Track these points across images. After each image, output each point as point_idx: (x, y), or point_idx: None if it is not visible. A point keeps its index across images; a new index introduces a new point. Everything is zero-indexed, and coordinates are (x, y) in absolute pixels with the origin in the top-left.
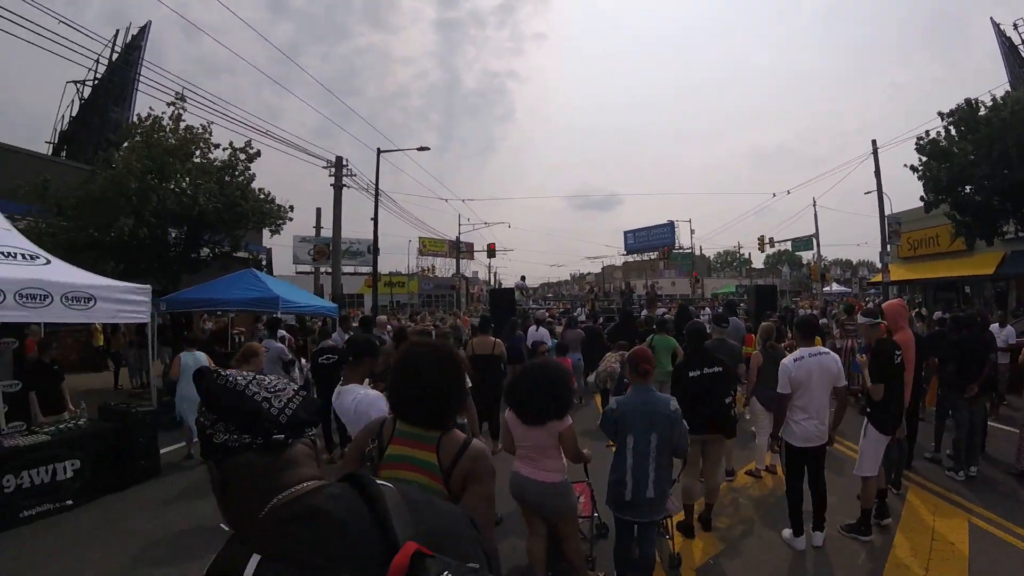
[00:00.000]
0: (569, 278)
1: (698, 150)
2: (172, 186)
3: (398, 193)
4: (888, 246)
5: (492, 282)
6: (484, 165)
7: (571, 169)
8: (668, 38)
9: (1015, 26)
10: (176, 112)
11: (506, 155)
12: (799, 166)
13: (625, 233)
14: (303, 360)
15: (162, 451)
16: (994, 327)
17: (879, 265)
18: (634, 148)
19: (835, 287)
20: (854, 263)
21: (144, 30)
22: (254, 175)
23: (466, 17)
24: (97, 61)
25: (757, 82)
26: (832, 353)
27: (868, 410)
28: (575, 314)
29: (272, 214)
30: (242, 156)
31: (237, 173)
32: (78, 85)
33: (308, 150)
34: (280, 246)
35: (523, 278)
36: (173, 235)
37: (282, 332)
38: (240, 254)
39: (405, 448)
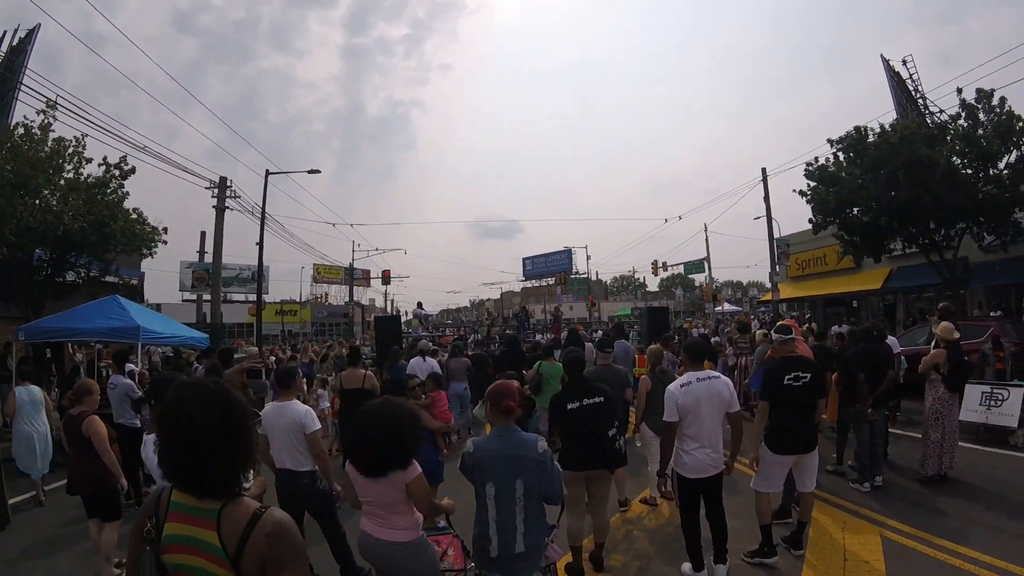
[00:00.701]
0: (468, 304)
1: (595, 180)
2: (37, 202)
3: (290, 218)
4: (777, 267)
5: (389, 309)
6: (384, 193)
7: (471, 198)
8: (569, 71)
9: (904, 62)
10: (45, 121)
11: (406, 183)
12: (692, 195)
13: (524, 259)
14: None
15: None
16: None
17: (768, 285)
18: (534, 177)
19: (727, 307)
20: (744, 284)
21: (32, 33)
22: (127, 193)
23: (373, 45)
24: None
25: (652, 116)
26: (722, 377)
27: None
28: (463, 341)
29: (143, 236)
30: (116, 172)
31: (109, 191)
32: None
33: (189, 169)
34: (165, 272)
35: (420, 304)
36: (38, 257)
37: (131, 366)
38: (110, 279)
39: (183, 525)
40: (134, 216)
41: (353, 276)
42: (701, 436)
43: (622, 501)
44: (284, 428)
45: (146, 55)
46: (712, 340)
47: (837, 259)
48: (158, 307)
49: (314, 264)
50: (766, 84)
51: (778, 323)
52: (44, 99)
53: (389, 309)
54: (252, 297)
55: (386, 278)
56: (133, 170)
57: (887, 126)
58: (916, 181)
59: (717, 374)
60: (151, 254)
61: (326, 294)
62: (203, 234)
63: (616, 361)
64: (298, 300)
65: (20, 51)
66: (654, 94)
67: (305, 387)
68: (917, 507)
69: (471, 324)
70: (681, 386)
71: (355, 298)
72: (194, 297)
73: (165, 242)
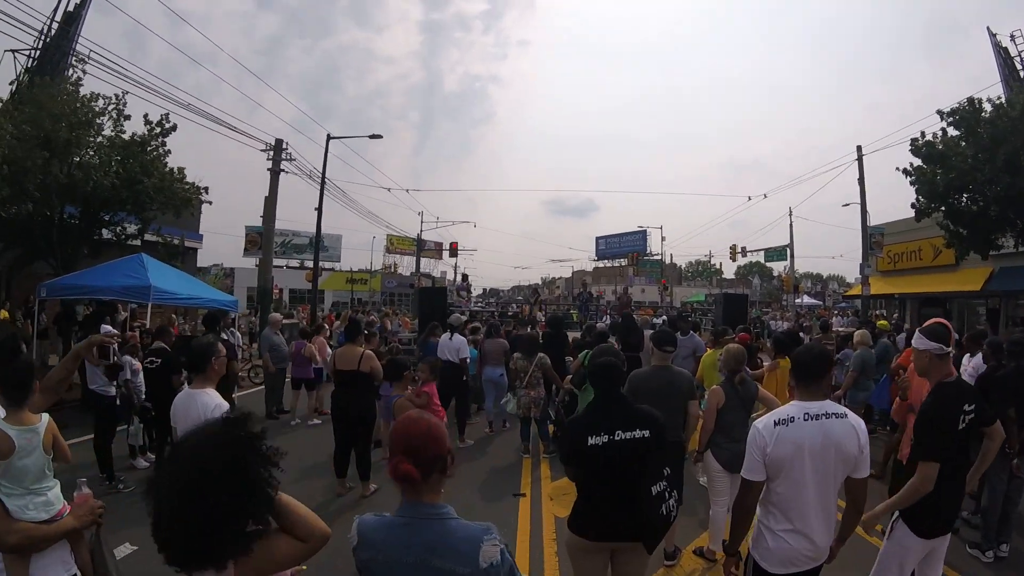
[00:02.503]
0: (540, 281)
1: (676, 160)
2: (74, 159)
3: (356, 184)
4: (868, 258)
5: (457, 282)
6: (460, 167)
7: (547, 174)
8: (652, 48)
9: (1012, 37)
10: (76, 76)
11: (483, 158)
12: (775, 180)
13: (597, 239)
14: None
15: None
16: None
17: (852, 279)
18: (612, 156)
19: (806, 299)
20: (824, 276)
21: (85, 1)
22: (168, 151)
23: (452, 20)
24: (41, 32)
25: (738, 96)
26: (850, 416)
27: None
28: (500, 319)
29: (180, 194)
30: (157, 130)
31: (151, 148)
32: (15, 55)
33: (242, 130)
34: (232, 236)
35: (464, 277)
36: (69, 214)
37: (107, 328)
38: (152, 237)
39: None
40: (172, 174)
41: (420, 247)
42: (799, 511)
43: (669, 553)
44: (191, 424)
45: (240, 24)
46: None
47: (934, 254)
48: (231, 270)
49: (387, 235)
50: (860, 67)
51: (927, 324)
52: (87, 61)
53: (457, 282)
54: (324, 265)
55: (453, 250)
56: (175, 127)
57: (1004, 100)
58: None
59: (843, 410)
60: (192, 212)
61: (395, 264)
62: (266, 199)
63: (680, 360)
64: (369, 270)
65: (75, 17)
66: (739, 74)
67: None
68: None
69: (512, 302)
70: (776, 423)
71: (428, 270)
72: (280, 263)
73: (209, 202)
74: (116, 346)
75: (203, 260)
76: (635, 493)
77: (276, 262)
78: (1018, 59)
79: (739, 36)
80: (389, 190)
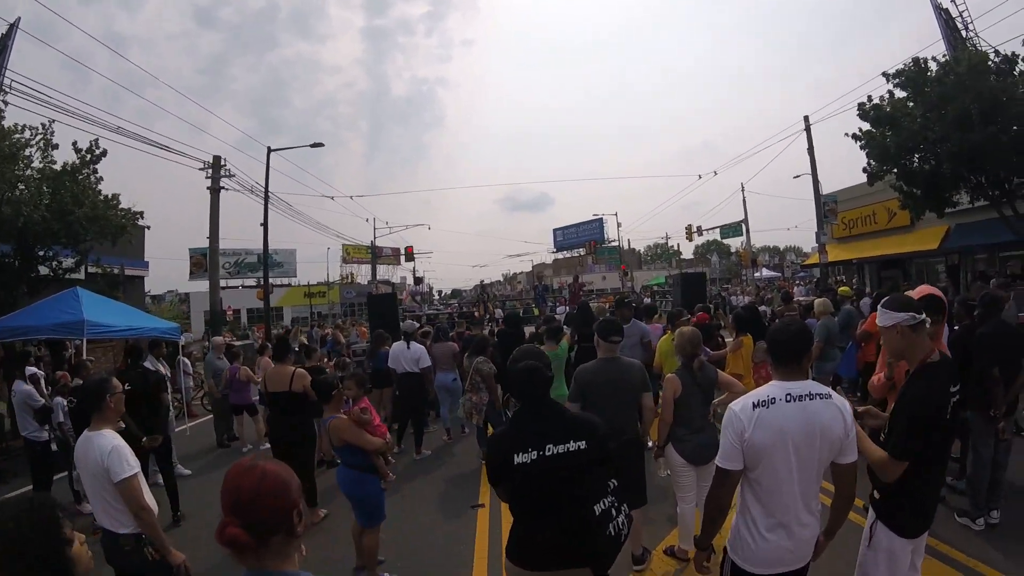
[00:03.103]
0: (501, 278)
1: (628, 151)
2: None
3: (302, 196)
4: (823, 226)
5: (420, 286)
6: (414, 171)
7: (501, 172)
8: (600, 43)
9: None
10: None
11: (436, 161)
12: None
13: (554, 231)
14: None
15: None
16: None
17: (808, 249)
18: (564, 149)
19: (765, 272)
20: (781, 249)
21: (13, 28)
22: (100, 178)
23: (394, 25)
24: None
25: (687, 84)
26: (834, 397)
27: (876, 496)
28: (452, 321)
29: (113, 221)
30: (87, 156)
31: (81, 177)
32: None
33: (182, 151)
34: (174, 259)
35: (418, 280)
36: (2, 253)
37: (32, 370)
38: (95, 269)
39: None
40: (104, 201)
41: (375, 255)
42: (783, 503)
43: (637, 557)
44: (89, 472)
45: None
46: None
47: (888, 217)
48: (186, 296)
49: (343, 245)
50: (805, 47)
51: (890, 296)
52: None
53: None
54: (279, 281)
55: (408, 255)
56: (104, 153)
57: (952, 58)
58: (990, 119)
59: (827, 390)
60: (130, 240)
61: (352, 274)
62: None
63: (627, 349)
64: (326, 282)
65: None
66: (686, 64)
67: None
68: None
69: (463, 303)
70: (755, 405)
71: (386, 277)
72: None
73: (147, 227)
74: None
75: (156, 288)
76: (576, 515)
77: (231, 283)
78: (959, 19)
79: (684, 27)
80: (332, 198)
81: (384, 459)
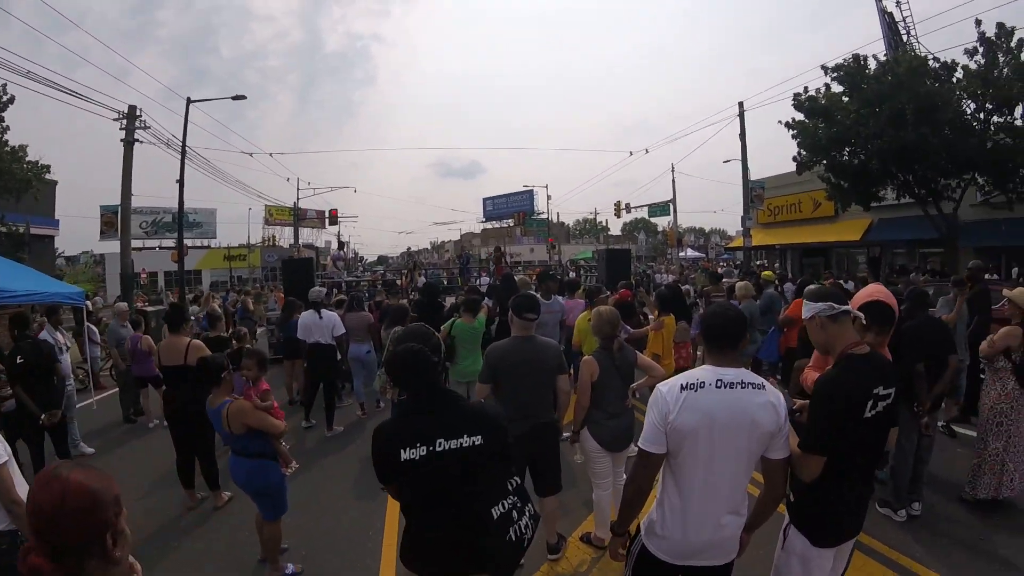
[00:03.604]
0: (429, 246)
1: (561, 120)
2: None
3: (223, 152)
4: (749, 211)
5: (343, 251)
6: (343, 131)
7: (433, 137)
8: (540, 12)
9: (897, 2)
10: None
11: (366, 120)
12: (659, 139)
13: (484, 200)
14: None
15: None
16: None
17: (733, 232)
18: (498, 117)
19: (690, 252)
20: (707, 231)
21: None
22: (7, 127)
23: None
24: None
25: (623, 64)
26: (767, 387)
27: (791, 497)
28: (367, 290)
29: (17, 175)
30: None
31: None
32: None
33: (91, 98)
34: (88, 218)
35: (341, 245)
36: None
37: None
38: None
39: None
40: (12, 153)
41: (297, 216)
42: (703, 493)
43: (552, 545)
44: None
45: None
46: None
47: (813, 207)
48: (101, 257)
49: (265, 205)
50: (743, 32)
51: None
52: None
53: (343, 251)
54: (201, 242)
55: (333, 218)
56: (12, 99)
57: (893, 57)
58: (924, 120)
59: (760, 381)
60: (35, 195)
61: (274, 237)
62: (122, 173)
63: (546, 328)
64: (247, 244)
65: None
66: (625, 33)
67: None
68: (973, 552)
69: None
70: (683, 388)
71: (310, 241)
72: (139, 244)
73: (54, 181)
74: None
75: (71, 249)
76: (472, 518)
77: (148, 243)
78: (901, 23)
79: (628, 9)
80: (251, 155)
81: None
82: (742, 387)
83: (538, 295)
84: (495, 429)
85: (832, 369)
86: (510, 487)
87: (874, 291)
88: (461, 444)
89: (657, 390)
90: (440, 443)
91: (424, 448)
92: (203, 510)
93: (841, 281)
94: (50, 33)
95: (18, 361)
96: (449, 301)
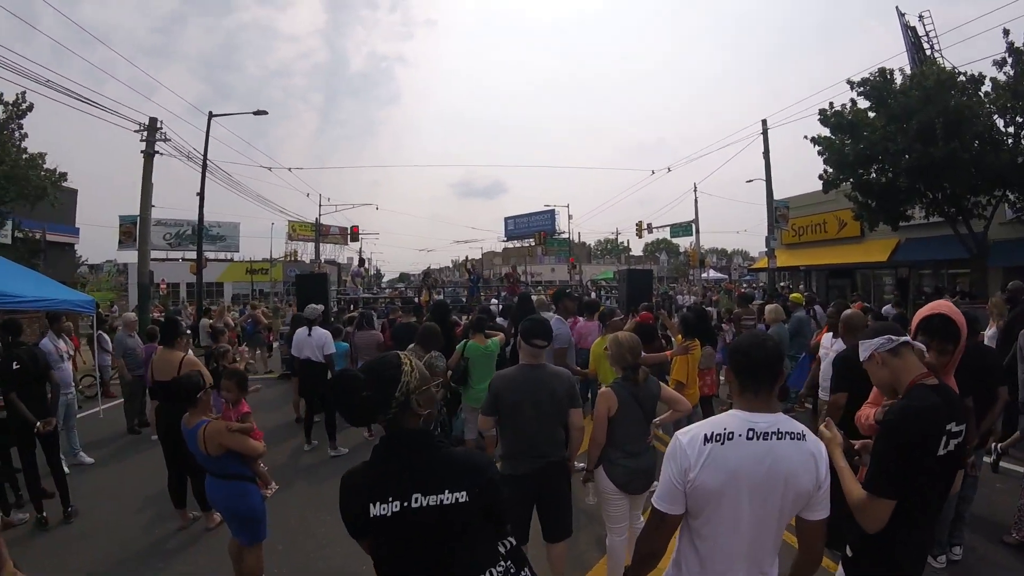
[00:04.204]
0: (451, 264)
1: (584, 144)
2: None
3: (248, 167)
4: (773, 231)
5: (363, 268)
6: (365, 149)
7: (454, 156)
8: (562, 34)
9: (920, 17)
10: None
11: (388, 140)
12: (679, 157)
13: (505, 219)
14: None
15: None
16: None
17: (755, 253)
18: (520, 138)
19: (712, 273)
20: (729, 251)
21: None
22: (25, 134)
23: None
24: None
25: (644, 81)
26: (808, 437)
27: (848, 553)
28: (375, 309)
29: (34, 182)
30: (12, 110)
31: (7, 133)
32: None
33: (113, 110)
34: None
35: (362, 262)
36: None
37: None
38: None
39: None
40: (27, 159)
41: (319, 232)
42: (727, 561)
43: None
44: None
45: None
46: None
47: (838, 227)
48: (124, 266)
49: (288, 221)
50: (767, 55)
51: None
52: None
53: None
54: (223, 255)
55: (354, 235)
56: (31, 107)
57: (920, 71)
58: (953, 135)
59: (800, 429)
60: (52, 203)
61: (296, 252)
62: (142, 184)
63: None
64: (269, 259)
65: None
66: (649, 61)
67: None
68: None
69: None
70: (707, 439)
71: (333, 257)
72: (162, 256)
73: (75, 190)
74: None
75: (94, 257)
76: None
77: (171, 255)
78: (925, 38)
79: (649, 26)
80: (271, 169)
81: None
82: (778, 438)
83: (554, 315)
84: (484, 483)
85: (902, 400)
86: (503, 550)
87: (938, 304)
88: (441, 501)
89: (676, 441)
90: (416, 499)
91: (397, 504)
92: (194, 531)
93: (868, 305)
94: (78, 49)
95: (14, 367)
96: (464, 320)
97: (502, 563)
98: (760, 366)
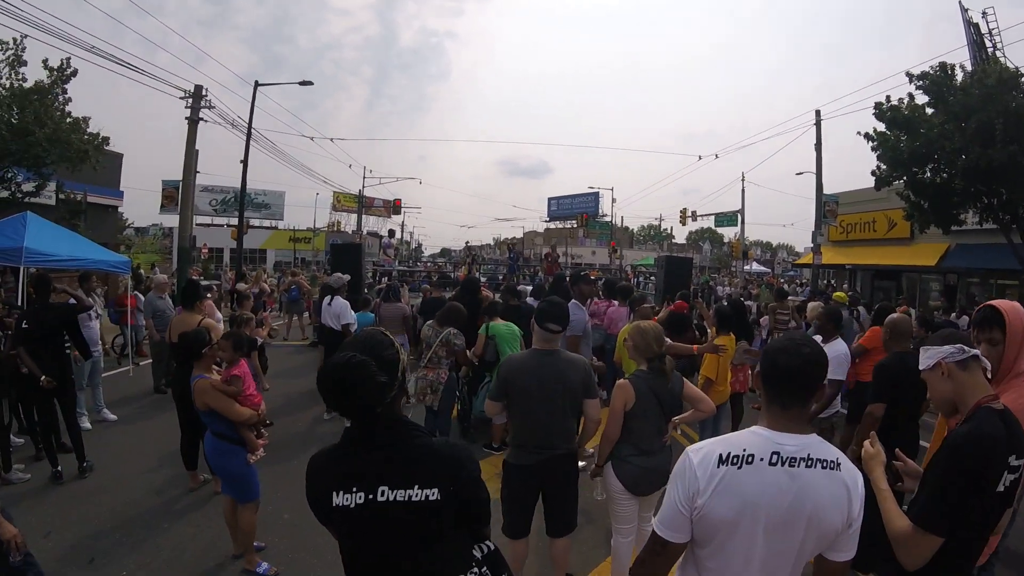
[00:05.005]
0: (492, 242)
1: (632, 128)
2: None
3: (280, 133)
4: (820, 226)
5: (405, 240)
6: (413, 124)
7: (502, 134)
8: (615, 17)
9: (984, 14)
10: None
11: (437, 115)
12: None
13: (549, 200)
14: None
15: None
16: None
17: (801, 249)
18: (567, 119)
19: (755, 266)
20: (774, 245)
21: None
22: (69, 99)
23: None
24: None
25: (696, 69)
26: (843, 465)
27: None
28: (400, 281)
29: (75, 145)
30: (56, 75)
31: (51, 98)
32: None
33: (160, 77)
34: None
35: (391, 233)
36: None
37: None
38: (58, 195)
39: None
40: (73, 123)
41: (361, 203)
42: None
43: None
44: None
45: None
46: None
47: (888, 226)
48: (169, 230)
49: (333, 192)
50: (822, 47)
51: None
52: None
53: (405, 240)
54: (268, 223)
55: (396, 208)
56: (75, 72)
57: (981, 68)
58: (1013, 137)
59: (835, 455)
60: (94, 166)
61: (338, 223)
62: (186, 150)
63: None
64: (312, 228)
65: None
66: (702, 48)
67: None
68: None
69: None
70: (721, 460)
71: (376, 229)
72: (207, 220)
73: (120, 154)
74: None
75: (140, 220)
76: None
77: (216, 220)
78: (987, 36)
79: (704, 12)
80: (312, 139)
81: (256, 431)
82: (807, 464)
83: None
84: (460, 481)
85: (968, 423)
86: (479, 555)
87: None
88: (410, 497)
89: (686, 459)
90: (383, 491)
91: (361, 495)
92: (203, 493)
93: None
94: (132, 20)
95: (24, 326)
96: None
97: (476, 568)
98: (792, 377)
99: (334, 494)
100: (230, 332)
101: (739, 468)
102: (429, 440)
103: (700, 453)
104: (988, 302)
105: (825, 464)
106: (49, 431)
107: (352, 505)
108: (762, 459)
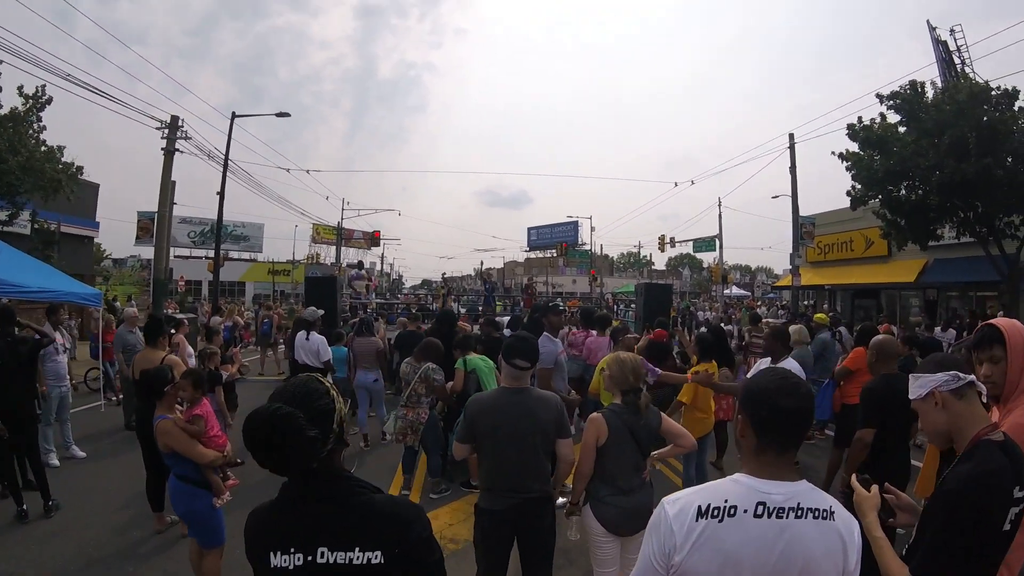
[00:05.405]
0: (473, 273)
1: (610, 157)
2: None
3: (258, 165)
4: (798, 248)
5: (385, 272)
6: (392, 155)
7: (481, 165)
8: (589, 48)
9: (952, 31)
10: None
11: (416, 146)
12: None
13: (528, 229)
14: None
15: None
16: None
17: (779, 271)
18: (546, 148)
19: (735, 290)
20: (752, 268)
21: None
22: (43, 127)
23: (388, 5)
24: None
25: (670, 98)
26: (839, 514)
27: None
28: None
29: (49, 174)
30: (31, 103)
31: (26, 125)
32: None
33: (135, 107)
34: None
35: (359, 264)
36: None
37: None
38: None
39: None
40: (47, 152)
41: (340, 236)
42: None
43: None
44: None
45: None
46: (725, 328)
47: (865, 245)
48: (147, 262)
49: (312, 224)
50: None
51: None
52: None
53: (383, 272)
54: (247, 255)
55: (375, 239)
56: (50, 100)
57: (953, 84)
58: (987, 150)
59: (828, 503)
60: (68, 196)
61: (318, 255)
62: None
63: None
64: (292, 260)
65: None
66: (671, 74)
67: None
68: None
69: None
70: (700, 513)
71: (355, 261)
72: (185, 253)
73: (97, 184)
74: None
75: (118, 252)
76: None
77: (195, 252)
78: (956, 53)
79: (676, 44)
80: (288, 171)
81: (223, 473)
82: (796, 515)
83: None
84: (407, 542)
85: (967, 464)
86: None
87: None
88: (351, 560)
89: (662, 511)
90: (323, 553)
91: (300, 556)
92: (170, 535)
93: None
94: (112, 51)
95: None
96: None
97: None
98: (791, 420)
99: (271, 554)
100: (190, 370)
101: (720, 521)
102: (371, 497)
103: (677, 505)
104: (987, 322)
105: (817, 514)
106: (11, 468)
107: (291, 567)
108: (745, 511)
